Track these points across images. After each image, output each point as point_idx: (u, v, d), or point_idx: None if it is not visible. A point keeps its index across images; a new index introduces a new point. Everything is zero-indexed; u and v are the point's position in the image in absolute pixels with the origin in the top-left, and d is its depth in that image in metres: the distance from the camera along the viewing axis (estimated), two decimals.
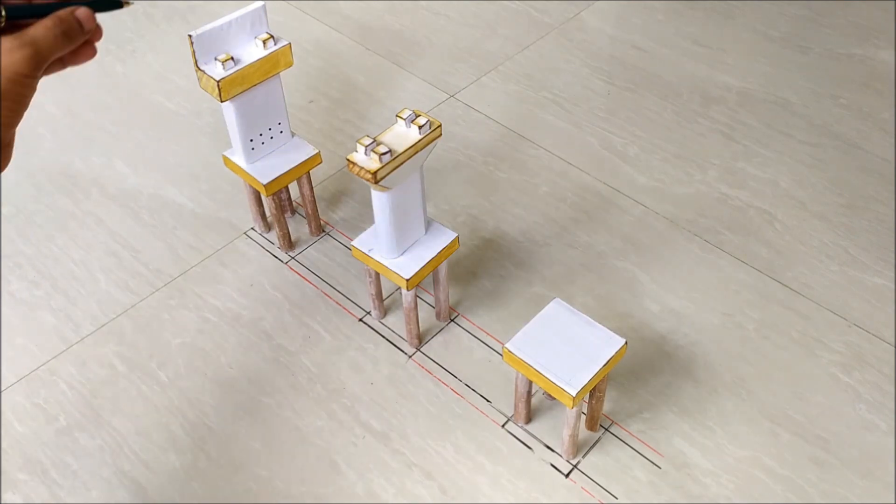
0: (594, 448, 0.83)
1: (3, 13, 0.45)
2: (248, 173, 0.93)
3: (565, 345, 0.75)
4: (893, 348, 0.91)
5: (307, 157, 0.95)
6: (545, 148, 1.15)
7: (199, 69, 0.84)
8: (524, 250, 1.01)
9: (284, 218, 0.99)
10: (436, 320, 0.94)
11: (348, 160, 0.74)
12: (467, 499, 0.79)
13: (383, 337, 0.93)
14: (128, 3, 0.49)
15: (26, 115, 0.46)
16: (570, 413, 0.76)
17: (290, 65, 0.89)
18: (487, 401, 0.87)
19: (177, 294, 0.97)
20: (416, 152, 0.76)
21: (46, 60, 0.46)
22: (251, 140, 0.92)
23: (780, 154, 1.14)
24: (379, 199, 0.79)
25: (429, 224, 0.86)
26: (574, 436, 0.79)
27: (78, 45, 0.48)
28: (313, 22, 1.39)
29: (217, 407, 0.86)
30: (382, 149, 0.73)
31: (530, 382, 0.79)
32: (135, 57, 1.32)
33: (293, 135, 0.96)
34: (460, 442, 0.83)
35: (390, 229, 0.81)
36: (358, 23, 1.38)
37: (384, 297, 0.95)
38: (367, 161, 0.73)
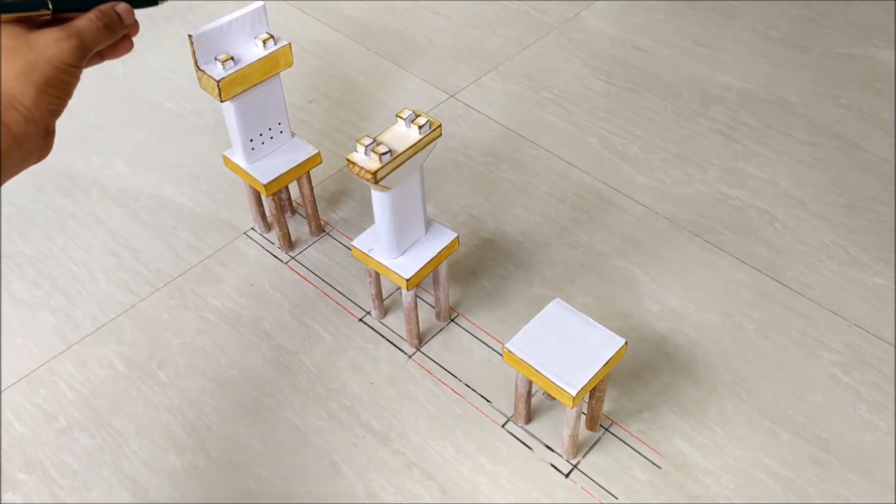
0: (594, 448, 0.83)
1: (51, 6, 0.47)
2: (248, 173, 0.93)
3: (565, 345, 0.75)
4: (893, 348, 0.91)
5: (307, 157, 0.95)
6: (545, 148, 1.15)
7: (199, 69, 0.84)
8: (524, 250, 1.01)
9: (284, 218, 0.99)
10: (436, 320, 0.94)
11: (348, 160, 0.74)
12: (467, 499, 0.79)
13: (383, 337, 0.93)
14: (162, 0, 0.51)
15: None
16: (570, 413, 0.76)
17: (290, 65, 0.89)
18: (487, 401, 0.87)
19: (177, 294, 0.97)
20: (416, 152, 0.76)
21: (90, 51, 0.48)
22: (251, 140, 0.92)
23: (780, 154, 1.14)
24: (379, 199, 0.79)
25: (429, 224, 0.86)
26: (574, 436, 0.79)
27: (117, 39, 0.50)
28: (313, 22, 1.39)
29: (217, 407, 0.86)
30: (382, 149, 0.73)
31: (530, 382, 0.79)
32: (135, 57, 1.31)
33: (293, 135, 0.96)
34: (460, 442, 0.83)
35: (390, 229, 0.81)
36: (358, 23, 1.38)
37: (384, 297, 0.95)
38: (367, 161, 0.73)
